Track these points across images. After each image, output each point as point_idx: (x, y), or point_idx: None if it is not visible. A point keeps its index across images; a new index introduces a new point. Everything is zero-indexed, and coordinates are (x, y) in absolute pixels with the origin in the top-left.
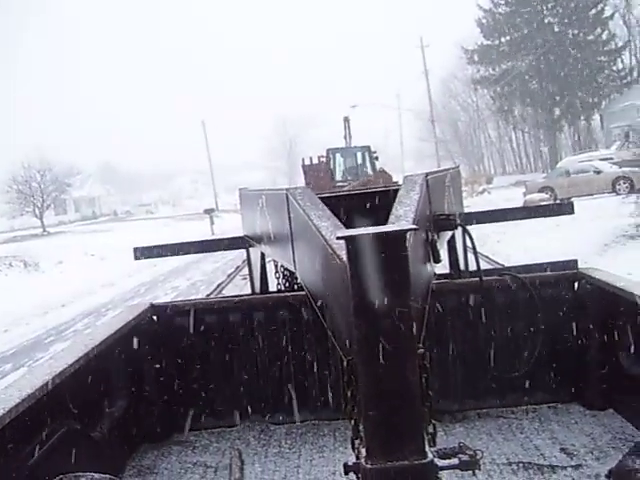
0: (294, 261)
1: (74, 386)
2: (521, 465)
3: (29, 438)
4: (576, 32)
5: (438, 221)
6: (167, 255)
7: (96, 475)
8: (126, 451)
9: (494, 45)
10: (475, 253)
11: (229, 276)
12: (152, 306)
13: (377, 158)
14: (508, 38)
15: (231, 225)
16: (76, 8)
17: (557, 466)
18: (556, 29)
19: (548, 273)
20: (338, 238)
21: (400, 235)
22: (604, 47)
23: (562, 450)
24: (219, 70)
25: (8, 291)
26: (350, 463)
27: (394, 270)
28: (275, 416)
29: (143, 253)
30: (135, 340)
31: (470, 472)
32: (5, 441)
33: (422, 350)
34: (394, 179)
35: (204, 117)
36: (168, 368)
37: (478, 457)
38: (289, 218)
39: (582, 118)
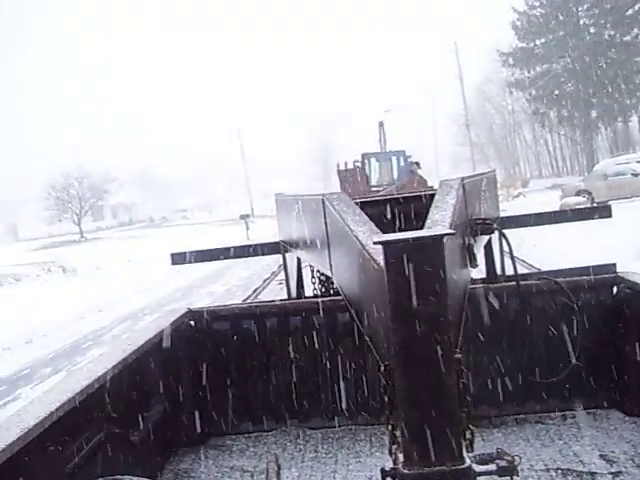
0: (330, 266)
1: (113, 390)
2: (559, 472)
3: (69, 442)
4: (612, 33)
5: (475, 225)
6: (204, 260)
7: (134, 478)
8: (163, 455)
9: (529, 47)
10: (512, 257)
11: (265, 281)
12: (189, 311)
13: (418, 164)
14: (543, 40)
15: (267, 231)
16: (107, 14)
17: (596, 473)
18: (592, 30)
19: (586, 277)
20: (375, 243)
21: (437, 240)
22: None
23: (601, 457)
24: (252, 74)
25: (47, 296)
26: (387, 468)
27: (431, 275)
28: (312, 421)
29: (180, 258)
30: (173, 345)
31: (508, 478)
32: (45, 444)
33: (459, 355)
34: (429, 184)
35: (239, 122)
36: (205, 372)
37: (516, 463)
38: (325, 223)
39: (619, 120)
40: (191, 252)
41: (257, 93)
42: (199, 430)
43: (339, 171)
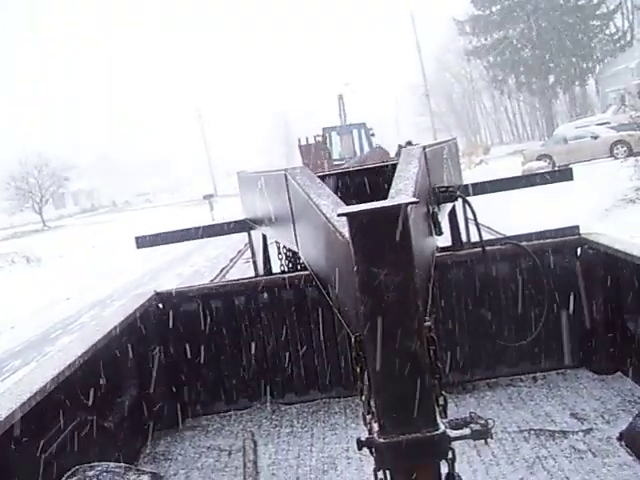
0: (296, 241)
1: (84, 377)
2: (532, 432)
3: (43, 431)
4: None
5: (438, 193)
6: (169, 242)
7: (111, 464)
8: (140, 439)
9: (485, 15)
10: (477, 224)
11: (232, 260)
12: (157, 294)
13: (373, 135)
14: (499, 7)
15: (231, 210)
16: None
17: (568, 431)
18: None
19: (550, 240)
20: (339, 215)
21: (401, 208)
22: (595, 11)
23: (572, 415)
24: (212, 57)
25: (12, 287)
26: (363, 438)
27: (397, 244)
28: (285, 396)
29: (145, 242)
30: (142, 328)
31: (482, 441)
32: (20, 435)
33: (429, 322)
34: (391, 155)
35: (200, 104)
36: (177, 354)
37: (489, 426)
38: (289, 198)
39: (577, 84)
40: (155, 235)
41: (217, 74)
42: (174, 412)
43: (300, 146)
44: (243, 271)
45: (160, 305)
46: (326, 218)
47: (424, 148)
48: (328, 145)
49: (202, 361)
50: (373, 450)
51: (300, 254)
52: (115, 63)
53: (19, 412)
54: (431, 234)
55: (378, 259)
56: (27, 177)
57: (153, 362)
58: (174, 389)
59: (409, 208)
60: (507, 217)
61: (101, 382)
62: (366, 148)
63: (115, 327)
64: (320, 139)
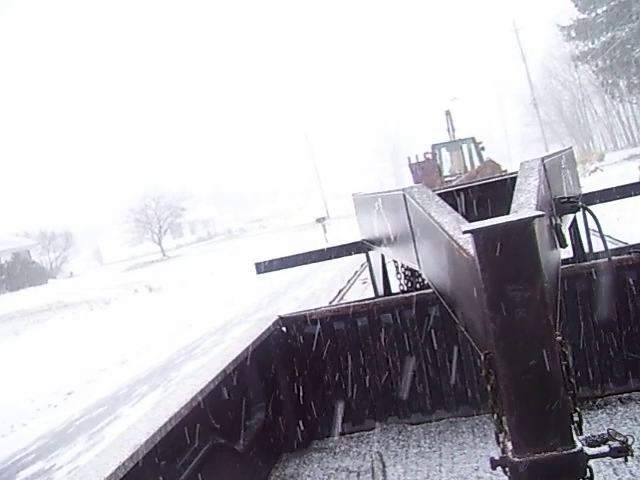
0: (418, 260)
1: (215, 402)
2: None
3: (178, 455)
4: None
5: (560, 205)
6: (287, 267)
7: None
8: (269, 461)
9: (590, 18)
10: (601, 233)
11: (349, 282)
12: (280, 318)
13: (483, 148)
14: (605, 8)
15: (344, 231)
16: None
17: None
18: None
19: None
20: (464, 232)
21: (527, 223)
22: None
23: None
24: (314, 79)
25: (137, 316)
26: (497, 457)
27: (525, 259)
28: (411, 416)
29: (264, 267)
30: (267, 352)
31: (620, 459)
32: (157, 459)
33: (560, 337)
34: (502, 168)
35: (306, 128)
36: (302, 377)
37: (629, 443)
38: (408, 217)
39: None
40: (274, 260)
41: (321, 97)
42: (301, 434)
43: (411, 164)
44: (360, 292)
45: (284, 329)
46: (449, 236)
47: (542, 160)
48: (438, 162)
49: (327, 383)
50: (507, 469)
51: (422, 273)
52: (221, 93)
53: (157, 436)
54: (556, 246)
55: (506, 275)
56: (146, 209)
57: (279, 385)
58: (301, 411)
59: (535, 222)
60: (628, 225)
61: (230, 406)
62: (476, 162)
63: (242, 352)
64: (430, 156)
